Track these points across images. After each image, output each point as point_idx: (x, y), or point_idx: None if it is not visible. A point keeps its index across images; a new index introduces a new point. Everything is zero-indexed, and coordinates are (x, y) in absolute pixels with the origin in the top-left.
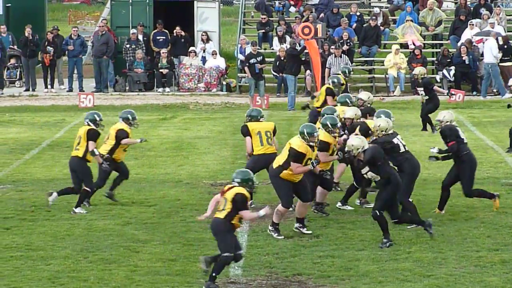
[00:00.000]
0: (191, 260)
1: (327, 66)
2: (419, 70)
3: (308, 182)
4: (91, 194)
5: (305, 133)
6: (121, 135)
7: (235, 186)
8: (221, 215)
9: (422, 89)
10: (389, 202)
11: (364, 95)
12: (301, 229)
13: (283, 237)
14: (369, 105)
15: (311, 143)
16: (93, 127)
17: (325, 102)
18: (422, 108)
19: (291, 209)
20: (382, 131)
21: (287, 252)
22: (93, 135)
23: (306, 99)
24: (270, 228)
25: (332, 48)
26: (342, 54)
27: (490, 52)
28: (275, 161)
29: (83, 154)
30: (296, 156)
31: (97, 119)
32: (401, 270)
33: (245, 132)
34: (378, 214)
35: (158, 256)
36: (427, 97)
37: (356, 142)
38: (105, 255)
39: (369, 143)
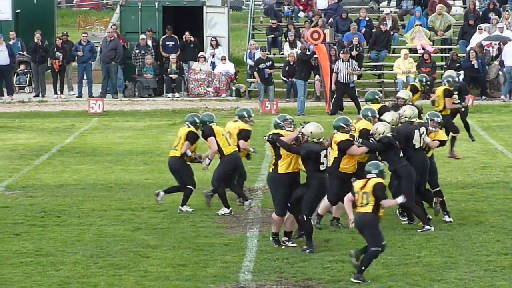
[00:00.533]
0: (201, 265)
1: (334, 71)
2: (449, 73)
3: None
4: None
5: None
6: (245, 134)
7: (372, 178)
8: (367, 209)
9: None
10: (315, 203)
11: (404, 93)
12: (287, 243)
13: (279, 245)
14: (410, 103)
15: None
16: (193, 129)
17: (445, 105)
18: (461, 114)
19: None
20: (380, 133)
21: (297, 257)
22: (191, 138)
23: (316, 104)
24: (271, 238)
25: (340, 53)
26: (350, 59)
27: None
28: (273, 166)
29: (181, 154)
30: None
31: (197, 121)
32: (411, 275)
33: (211, 133)
34: (306, 219)
35: (168, 261)
36: (458, 101)
37: (314, 128)
38: (115, 260)
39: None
